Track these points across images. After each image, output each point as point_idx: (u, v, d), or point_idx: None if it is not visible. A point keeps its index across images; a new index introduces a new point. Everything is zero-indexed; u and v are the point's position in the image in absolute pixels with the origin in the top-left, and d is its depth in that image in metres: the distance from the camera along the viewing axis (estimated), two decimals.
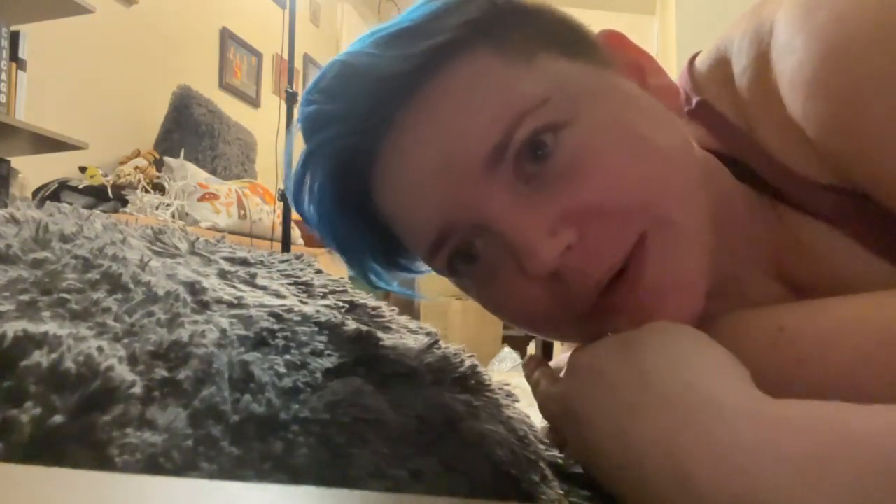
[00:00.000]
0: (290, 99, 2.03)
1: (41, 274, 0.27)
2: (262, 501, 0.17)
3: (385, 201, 0.38)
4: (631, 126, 0.34)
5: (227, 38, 2.98)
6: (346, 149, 0.36)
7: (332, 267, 0.52)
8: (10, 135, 1.63)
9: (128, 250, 0.34)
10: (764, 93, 0.36)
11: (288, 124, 1.94)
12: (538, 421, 0.43)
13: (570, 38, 0.37)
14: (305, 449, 0.26)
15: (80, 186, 1.86)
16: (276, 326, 0.32)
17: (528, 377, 0.44)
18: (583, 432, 0.30)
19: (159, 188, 2.03)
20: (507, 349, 2.59)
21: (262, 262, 0.47)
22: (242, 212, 2.17)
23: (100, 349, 0.23)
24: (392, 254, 0.43)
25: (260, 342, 0.31)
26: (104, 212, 0.61)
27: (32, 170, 1.82)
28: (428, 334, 0.43)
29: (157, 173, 2.10)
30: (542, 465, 0.37)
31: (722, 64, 0.40)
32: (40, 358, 0.21)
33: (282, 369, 0.29)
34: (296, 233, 2.26)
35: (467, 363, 0.40)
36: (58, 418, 0.20)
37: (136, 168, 2.04)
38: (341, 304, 0.42)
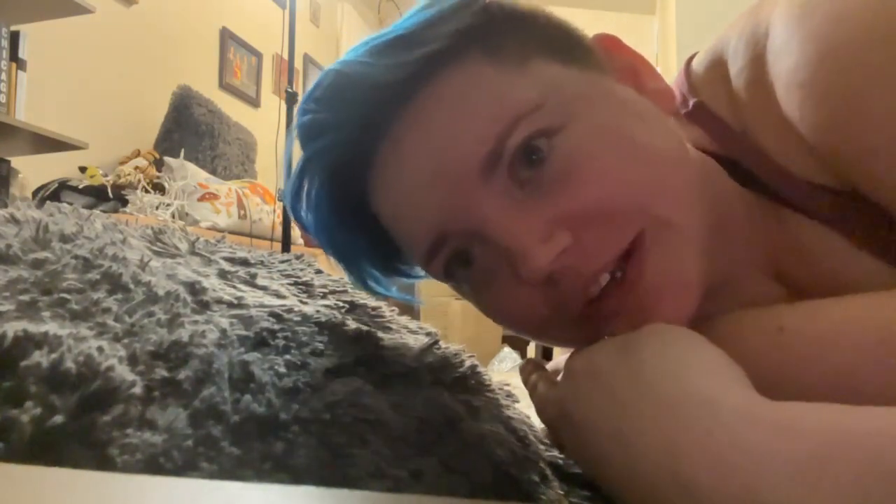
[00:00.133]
0: (290, 99, 2.03)
1: (41, 274, 0.27)
2: (262, 501, 0.17)
3: (381, 208, 0.38)
4: (624, 130, 0.34)
5: (227, 38, 2.98)
6: (342, 157, 0.37)
7: (331, 267, 0.52)
8: (10, 135, 1.64)
9: (128, 250, 0.34)
10: (760, 94, 0.36)
11: (288, 124, 1.95)
12: (538, 421, 0.43)
13: (564, 43, 0.37)
14: (305, 449, 0.26)
15: (80, 186, 1.86)
16: (276, 326, 0.33)
17: (526, 381, 0.44)
18: (581, 435, 0.30)
19: (159, 188, 2.03)
20: (507, 349, 2.60)
21: (262, 263, 0.47)
22: (242, 212, 2.17)
23: (100, 349, 0.23)
24: (390, 259, 0.43)
25: (260, 342, 0.31)
26: (104, 212, 0.61)
27: (32, 170, 1.82)
28: (428, 334, 0.43)
29: (157, 173, 2.10)
30: (542, 465, 0.37)
31: (718, 65, 0.40)
32: (40, 358, 0.21)
33: (282, 369, 0.29)
34: (296, 233, 2.25)
35: (467, 363, 0.40)
36: (58, 418, 0.20)
37: (136, 168, 2.04)
38: (341, 304, 0.42)
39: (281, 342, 0.32)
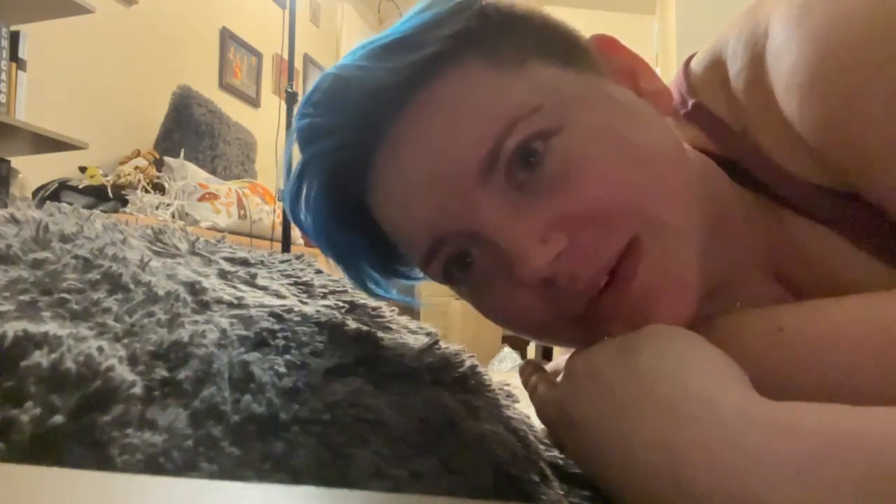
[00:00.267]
0: (290, 99, 2.03)
1: (41, 274, 0.27)
2: (262, 501, 0.17)
3: (380, 210, 0.38)
4: (621, 131, 0.34)
5: (227, 38, 2.98)
6: (340, 160, 0.37)
7: (331, 267, 0.52)
8: (10, 135, 1.64)
9: (128, 250, 0.34)
10: (759, 95, 0.36)
11: (288, 124, 1.94)
12: (538, 421, 0.43)
13: (561, 45, 0.37)
14: (305, 449, 0.26)
15: (80, 186, 1.86)
16: (276, 326, 0.33)
17: (525, 383, 0.44)
18: (581, 436, 0.30)
19: (159, 188, 2.03)
20: (507, 349, 2.60)
21: (262, 263, 0.47)
22: (242, 212, 2.17)
23: (100, 349, 0.23)
24: (389, 261, 0.44)
25: (260, 342, 0.31)
26: (104, 212, 0.61)
27: (32, 170, 1.82)
28: (428, 334, 0.43)
29: (157, 173, 2.10)
30: (542, 465, 0.37)
31: (717, 66, 0.40)
32: (40, 358, 0.21)
33: (282, 369, 0.29)
34: (296, 233, 2.25)
35: (467, 363, 0.40)
36: (58, 418, 0.20)
37: (136, 168, 2.04)
38: (341, 304, 0.42)
39: (281, 342, 0.32)
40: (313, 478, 0.25)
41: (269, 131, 2.48)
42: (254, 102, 3.19)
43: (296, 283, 0.45)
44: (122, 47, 2.32)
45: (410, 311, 0.53)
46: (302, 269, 0.48)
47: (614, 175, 0.32)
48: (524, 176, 0.33)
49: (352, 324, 0.37)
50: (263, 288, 0.40)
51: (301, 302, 0.40)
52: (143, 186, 1.98)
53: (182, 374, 0.25)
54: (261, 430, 0.26)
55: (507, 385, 0.45)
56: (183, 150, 2.26)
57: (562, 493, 0.36)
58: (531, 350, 2.34)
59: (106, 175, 1.99)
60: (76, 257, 0.30)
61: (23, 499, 0.14)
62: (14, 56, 1.65)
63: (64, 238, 0.32)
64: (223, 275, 0.40)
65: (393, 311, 0.46)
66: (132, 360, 0.24)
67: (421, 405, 0.33)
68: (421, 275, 0.42)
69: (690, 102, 0.42)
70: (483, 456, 0.33)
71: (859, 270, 0.36)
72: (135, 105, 2.39)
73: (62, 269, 0.28)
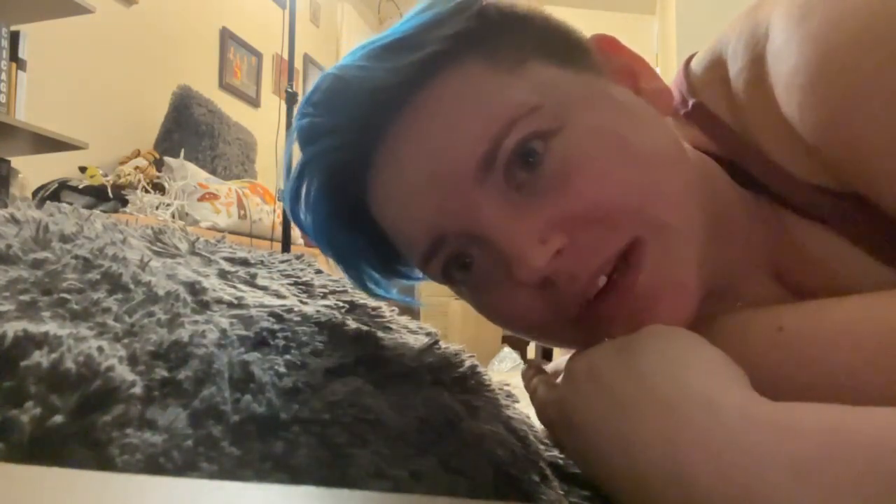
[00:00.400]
0: (290, 99, 2.03)
1: (41, 274, 0.27)
2: (262, 501, 0.17)
3: (380, 210, 0.38)
4: (621, 132, 0.34)
5: (227, 38, 2.98)
6: (340, 160, 0.37)
7: (331, 267, 0.52)
8: (10, 135, 1.64)
9: (128, 250, 0.34)
10: (760, 95, 0.36)
11: (288, 124, 1.94)
12: (538, 421, 0.43)
13: (561, 45, 0.37)
14: (305, 449, 0.26)
15: (80, 186, 1.86)
16: (276, 326, 0.33)
17: (527, 386, 0.44)
18: (581, 436, 0.30)
19: (159, 188, 2.03)
20: (507, 349, 2.60)
21: (262, 262, 0.47)
22: (242, 212, 2.17)
23: (100, 349, 0.23)
24: (389, 261, 0.44)
25: (260, 342, 0.31)
26: (104, 212, 0.61)
27: (32, 170, 1.82)
28: (428, 334, 0.43)
29: (157, 173, 2.10)
30: (542, 465, 0.37)
31: (718, 66, 0.40)
32: (40, 358, 0.21)
33: (282, 369, 0.29)
34: (296, 233, 2.25)
35: (467, 363, 0.40)
36: (58, 418, 0.20)
37: (136, 168, 2.04)
38: (341, 304, 0.42)
39: (281, 342, 0.32)
40: (313, 478, 0.25)
41: (269, 131, 2.48)
42: (254, 102, 3.19)
43: (296, 283, 0.45)
44: (122, 47, 2.32)
45: (410, 311, 0.53)
46: (302, 269, 0.48)
47: (614, 175, 0.32)
48: (523, 176, 0.33)
49: (352, 324, 0.37)
50: (263, 288, 0.40)
51: (301, 302, 0.40)
52: (143, 186, 1.98)
53: (182, 374, 0.25)
54: (261, 430, 0.25)
55: (507, 385, 0.45)
56: (183, 150, 2.27)
57: (562, 493, 0.36)
58: (531, 350, 2.33)
59: (106, 175, 1.99)
60: (76, 257, 0.30)
61: (23, 499, 0.14)
62: (14, 56, 1.65)
63: (64, 238, 0.32)
64: (223, 275, 0.40)
65: (393, 310, 0.46)
66: (132, 360, 0.24)
67: (421, 405, 0.33)
68: (421, 275, 0.42)
69: (690, 102, 0.42)
70: (483, 456, 0.32)
71: (859, 270, 0.36)
72: (135, 105, 2.39)
73: (62, 269, 0.28)
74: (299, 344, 0.32)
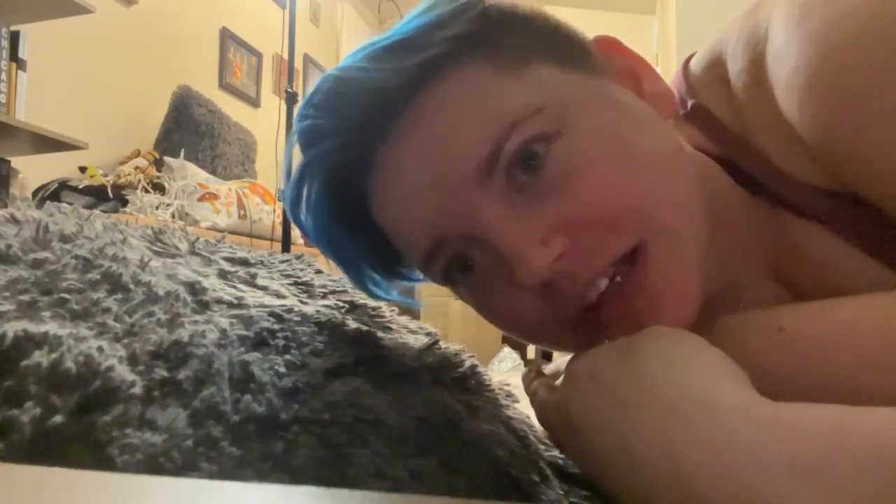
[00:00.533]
0: (290, 99, 2.03)
1: (41, 274, 0.27)
2: (262, 501, 0.17)
3: (381, 211, 0.38)
4: (623, 135, 0.34)
5: (227, 38, 2.98)
6: (341, 162, 0.37)
7: (331, 267, 0.52)
8: (10, 135, 1.64)
9: (128, 250, 0.34)
10: (760, 96, 0.36)
11: (288, 124, 1.94)
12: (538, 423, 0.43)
13: (563, 47, 0.37)
14: (305, 449, 0.26)
15: (80, 186, 1.86)
16: (276, 326, 0.33)
17: (527, 388, 0.44)
18: (582, 437, 0.30)
19: (159, 188, 2.03)
20: (507, 349, 2.59)
21: (262, 263, 0.47)
22: (242, 212, 2.17)
23: (100, 349, 0.23)
24: (390, 263, 0.43)
25: (260, 342, 0.31)
26: (104, 212, 0.61)
27: (32, 170, 1.82)
28: (428, 334, 0.43)
29: (157, 173, 2.10)
30: (542, 465, 0.37)
31: (717, 66, 0.40)
32: (40, 358, 0.21)
33: (282, 369, 0.29)
34: (296, 233, 2.25)
35: (467, 363, 0.40)
36: (58, 418, 0.20)
37: (136, 168, 2.04)
38: (341, 304, 0.42)
39: (281, 342, 0.32)
40: (313, 478, 0.25)
41: (269, 131, 2.48)
42: (254, 102, 3.19)
43: (296, 283, 0.45)
44: (122, 47, 2.32)
45: (410, 311, 0.53)
46: (302, 269, 0.48)
47: (616, 178, 0.32)
48: (525, 178, 0.33)
49: (352, 324, 0.37)
50: (263, 288, 0.40)
51: (301, 302, 0.40)
52: (143, 186, 1.98)
53: (182, 374, 0.25)
54: (261, 430, 0.26)
55: (507, 385, 0.45)
56: (183, 150, 2.27)
57: (562, 493, 0.36)
58: (531, 350, 2.34)
59: (106, 175, 1.99)
60: (76, 257, 0.30)
61: (23, 499, 0.14)
62: (14, 56, 1.65)
63: (64, 238, 0.32)
64: (223, 275, 0.40)
65: (393, 311, 0.46)
66: (132, 360, 0.24)
67: (421, 405, 0.33)
68: (421, 276, 0.42)
69: (690, 103, 0.42)
70: (483, 456, 0.33)
71: (859, 271, 0.36)
72: (135, 105, 2.39)
73: (62, 269, 0.28)
74: (299, 344, 0.32)
